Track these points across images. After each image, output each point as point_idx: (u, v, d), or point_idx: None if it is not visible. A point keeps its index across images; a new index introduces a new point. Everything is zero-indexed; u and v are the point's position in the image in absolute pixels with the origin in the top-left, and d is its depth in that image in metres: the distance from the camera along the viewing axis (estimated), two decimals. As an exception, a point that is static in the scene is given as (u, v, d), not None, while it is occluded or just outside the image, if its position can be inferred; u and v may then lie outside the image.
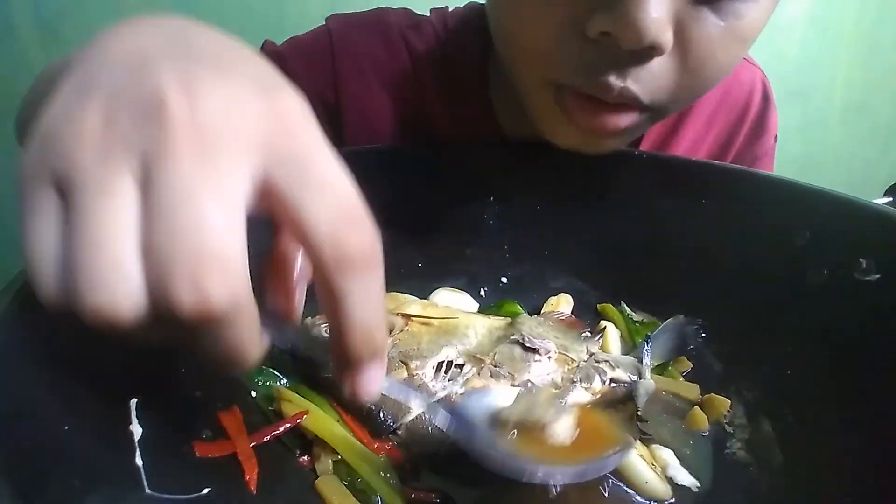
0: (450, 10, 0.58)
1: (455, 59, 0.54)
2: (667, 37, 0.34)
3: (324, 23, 0.56)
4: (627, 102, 0.38)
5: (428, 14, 0.58)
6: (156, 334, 0.19)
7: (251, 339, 0.20)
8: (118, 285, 0.18)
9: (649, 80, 0.37)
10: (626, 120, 0.39)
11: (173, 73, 0.19)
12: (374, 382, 0.24)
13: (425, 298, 0.44)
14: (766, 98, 0.61)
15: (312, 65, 0.53)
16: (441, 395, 0.35)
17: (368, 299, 0.21)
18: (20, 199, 0.19)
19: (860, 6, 1.40)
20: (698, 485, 0.31)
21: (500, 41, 0.43)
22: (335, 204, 0.20)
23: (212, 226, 0.18)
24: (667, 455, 0.33)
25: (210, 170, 0.18)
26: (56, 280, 0.19)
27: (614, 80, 0.36)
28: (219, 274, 0.18)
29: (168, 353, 0.32)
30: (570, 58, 0.37)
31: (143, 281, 0.18)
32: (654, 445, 0.34)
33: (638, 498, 0.31)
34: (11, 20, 0.95)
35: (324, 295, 0.21)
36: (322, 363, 0.36)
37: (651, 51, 0.34)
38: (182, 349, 0.20)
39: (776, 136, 0.63)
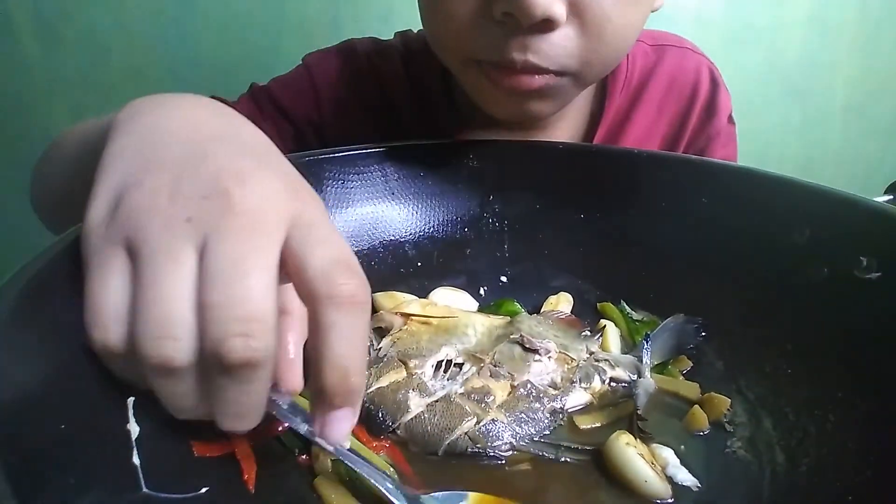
0: (414, 31, 0.66)
1: (420, 74, 0.62)
2: (557, 8, 0.39)
3: (301, 62, 0.64)
4: (536, 69, 0.42)
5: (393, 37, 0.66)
6: (185, 385, 0.23)
7: (265, 393, 0.24)
8: (178, 336, 0.21)
9: (551, 50, 0.41)
10: (539, 81, 0.43)
11: (231, 165, 0.24)
12: (340, 427, 0.25)
13: (425, 297, 0.44)
14: (713, 81, 0.64)
15: (298, 96, 0.61)
16: (440, 394, 0.35)
17: (351, 336, 0.23)
18: (88, 256, 0.23)
19: (860, 6, 1.40)
20: (699, 484, 0.31)
21: (427, 32, 0.50)
22: (333, 254, 0.24)
23: (259, 291, 0.22)
24: (667, 454, 0.33)
25: (256, 245, 0.22)
26: (119, 329, 0.22)
27: (517, 55, 0.41)
28: (262, 331, 0.22)
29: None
30: (481, 38, 0.42)
31: (197, 333, 0.22)
32: (653, 444, 0.33)
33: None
34: (11, 20, 0.95)
35: (311, 331, 0.24)
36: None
37: (549, 23, 0.39)
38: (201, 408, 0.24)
39: (731, 117, 0.65)
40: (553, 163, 0.49)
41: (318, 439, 0.26)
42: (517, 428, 0.34)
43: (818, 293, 0.36)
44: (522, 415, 0.35)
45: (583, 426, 0.36)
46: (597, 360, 0.39)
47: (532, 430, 0.34)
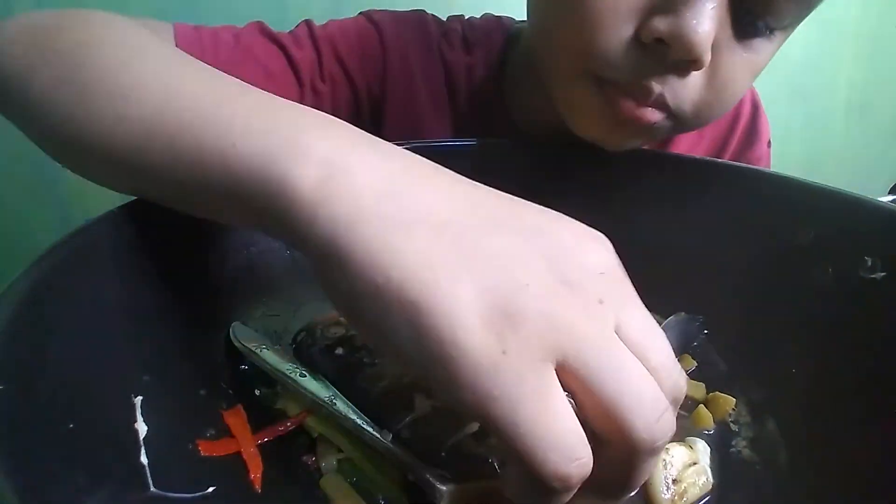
0: (466, 18, 0.61)
1: (477, 70, 0.58)
2: (708, 55, 0.38)
3: (360, 15, 0.58)
4: (660, 104, 0.41)
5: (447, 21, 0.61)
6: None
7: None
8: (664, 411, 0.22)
9: (682, 91, 0.41)
10: (657, 116, 0.42)
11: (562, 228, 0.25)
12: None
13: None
14: (755, 106, 0.64)
15: (366, 60, 0.55)
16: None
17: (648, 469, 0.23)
18: (507, 384, 0.20)
19: (863, 6, 1.39)
20: (712, 481, 0.32)
21: (545, 29, 0.46)
22: (671, 383, 0.23)
23: (649, 380, 0.21)
24: (701, 447, 0.33)
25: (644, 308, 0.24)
26: (587, 451, 0.21)
27: (655, 86, 0.40)
28: (667, 412, 0.22)
29: (171, 352, 0.32)
30: (620, 57, 0.40)
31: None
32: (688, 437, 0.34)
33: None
34: (11, 9, 0.95)
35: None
36: (326, 362, 0.36)
37: (693, 64, 0.38)
38: None
39: (769, 142, 0.65)
40: (554, 163, 0.49)
41: None
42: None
43: (822, 293, 0.36)
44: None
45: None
46: (601, 360, 0.39)
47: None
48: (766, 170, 0.43)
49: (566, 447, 0.20)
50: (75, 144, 0.29)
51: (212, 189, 0.25)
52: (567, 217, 0.26)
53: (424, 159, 0.26)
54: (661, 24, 0.37)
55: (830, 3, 1.34)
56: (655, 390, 0.21)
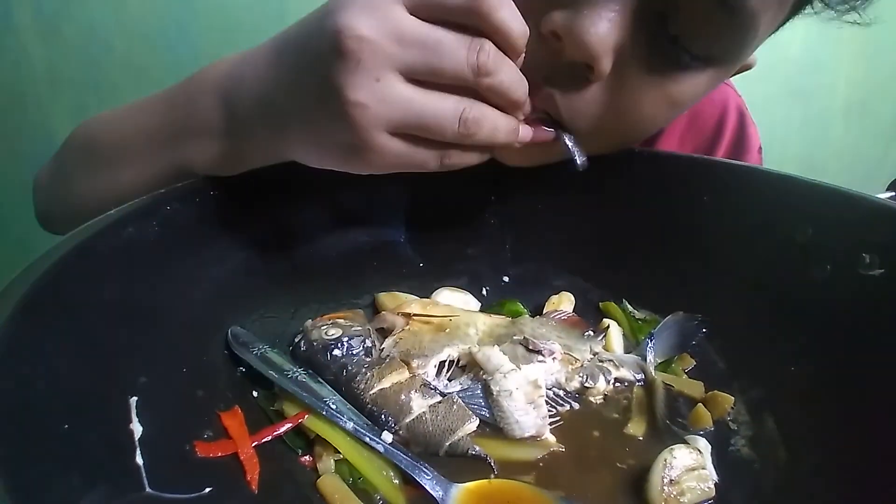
0: None
1: None
2: (605, 62, 0.35)
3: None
4: (548, 116, 0.38)
5: None
6: None
7: None
8: None
9: (576, 100, 0.37)
10: (544, 134, 0.38)
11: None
12: None
13: (427, 298, 0.44)
14: (741, 115, 0.63)
15: None
16: (441, 395, 0.35)
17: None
18: None
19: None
20: (716, 480, 0.32)
21: None
22: None
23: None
24: (702, 445, 0.33)
25: None
26: None
27: (546, 87, 0.36)
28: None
29: (168, 353, 0.32)
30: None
31: None
32: (688, 436, 0.34)
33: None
34: (12, 17, 0.95)
35: None
36: (323, 364, 0.36)
37: (588, 70, 0.35)
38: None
39: (760, 148, 0.65)
40: (554, 163, 0.49)
41: None
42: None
43: (821, 290, 0.36)
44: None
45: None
46: (601, 361, 0.39)
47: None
48: (764, 168, 0.43)
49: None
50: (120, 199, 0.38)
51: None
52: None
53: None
54: (558, 16, 0.34)
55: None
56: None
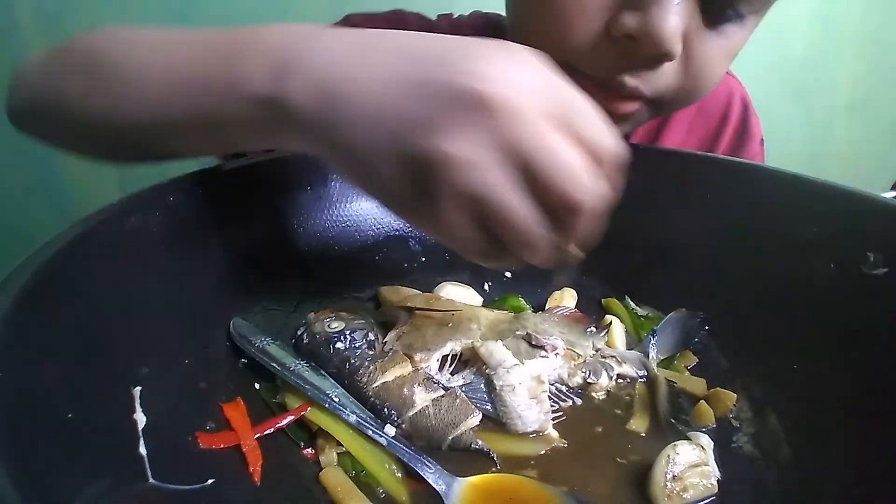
0: (455, 16, 0.63)
1: None
2: (678, 48, 0.39)
3: (341, 18, 0.60)
4: (635, 96, 0.43)
5: (435, 19, 0.63)
6: None
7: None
8: None
9: (657, 81, 0.42)
10: (633, 107, 0.44)
11: (459, 73, 0.25)
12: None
13: (430, 292, 0.44)
14: (745, 106, 0.65)
15: None
16: (445, 388, 0.35)
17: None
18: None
19: (865, 3, 1.39)
20: (719, 476, 0.32)
21: (521, 23, 0.47)
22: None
23: (572, 154, 0.26)
24: (704, 442, 0.33)
25: (537, 125, 0.25)
26: None
27: (628, 80, 0.41)
28: (590, 173, 0.27)
29: (171, 345, 0.32)
30: (592, 51, 0.41)
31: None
32: (690, 433, 0.34)
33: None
34: (14, 16, 0.95)
35: None
36: (325, 357, 0.36)
37: (663, 57, 0.40)
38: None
39: (762, 140, 0.66)
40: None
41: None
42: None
43: (825, 289, 0.36)
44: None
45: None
46: (603, 357, 0.39)
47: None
48: (768, 166, 0.43)
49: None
50: (111, 131, 0.35)
51: (227, 116, 0.30)
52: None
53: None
54: (629, 20, 0.38)
55: (832, 1, 1.34)
56: (579, 160, 0.26)
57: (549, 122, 0.25)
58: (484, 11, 0.64)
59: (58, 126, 0.39)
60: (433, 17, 0.64)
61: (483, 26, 0.62)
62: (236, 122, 0.30)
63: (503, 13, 0.62)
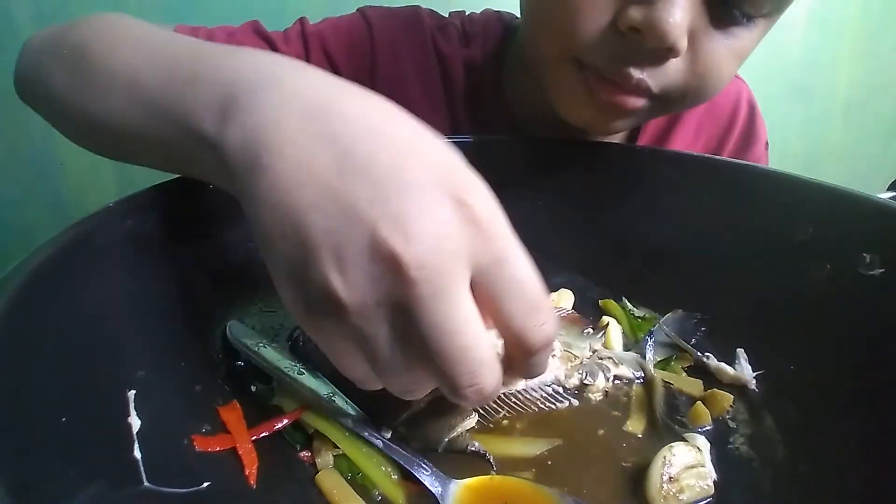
0: (466, 13, 0.63)
1: (475, 62, 0.60)
2: (683, 42, 0.40)
3: (356, 11, 0.60)
4: (642, 90, 0.43)
5: (447, 16, 0.63)
6: None
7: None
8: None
9: (662, 76, 0.43)
10: (639, 102, 0.44)
11: (384, 218, 0.22)
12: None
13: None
14: (752, 108, 0.65)
15: (353, 50, 0.57)
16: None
17: (541, 366, 0.29)
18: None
19: (862, 5, 1.39)
20: (715, 478, 0.31)
21: (531, 16, 0.48)
22: (526, 305, 0.25)
23: (475, 340, 0.24)
24: (701, 443, 0.33)
25: (449, 303, 0.23)
26: None
27: (634, 72, 0.42)
28: (489, 367, 0.25)
29: (166, 347, 0.32)
30: (599, 43, 0.42)
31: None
32: (687, 434, 0.34)
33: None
34: (11, 15, 0.95)
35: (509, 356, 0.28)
36: (322, 359, 0.36)
37: (668, 52, 0.40)
38: None
39: (767, 143, 0.67)
40: (554, 159, 0.49)
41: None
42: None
43: (821, 290, 0.36)
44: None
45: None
46: (600, 358, 0.39)
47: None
48: (764, 166, 0.43)
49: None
50: (86, 125, 0.35)
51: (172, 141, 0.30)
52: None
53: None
54: (635, 13, 0.39)
55: (830, 3, 1.34)
56: (483, 356, 0.25)
57: (463, 292, 0.23)
58: (497, 10, 0.64)
59: (48, 110, 0.41)
60: (445, 13, 0.64)
61: (494, 24, 0.62)
62: (185, 151, 0.29)
63: (513, 11, 0.63)
